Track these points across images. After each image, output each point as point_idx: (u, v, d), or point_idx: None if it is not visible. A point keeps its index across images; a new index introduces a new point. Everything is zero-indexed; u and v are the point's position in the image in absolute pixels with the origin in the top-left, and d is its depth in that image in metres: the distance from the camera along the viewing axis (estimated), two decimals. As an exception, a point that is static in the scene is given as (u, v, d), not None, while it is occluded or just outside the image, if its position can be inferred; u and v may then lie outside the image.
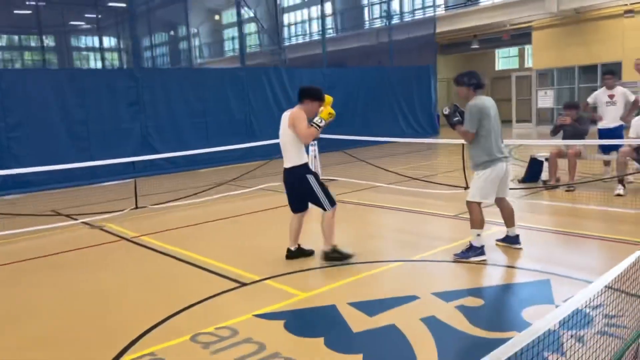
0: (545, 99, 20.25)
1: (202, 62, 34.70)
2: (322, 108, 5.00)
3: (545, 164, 8.63)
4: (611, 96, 8.39)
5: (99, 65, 31.82)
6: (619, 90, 8.41)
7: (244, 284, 4.72)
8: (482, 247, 5.00)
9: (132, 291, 4.78)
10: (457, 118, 5.05)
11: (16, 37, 36.81)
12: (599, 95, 8.57)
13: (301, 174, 5.05)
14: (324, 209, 5.05)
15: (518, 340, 1.85)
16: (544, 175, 8.70)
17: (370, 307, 4.02)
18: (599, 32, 18.82)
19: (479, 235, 4.99)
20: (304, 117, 4.93)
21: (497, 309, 3.92)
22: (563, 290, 4.15)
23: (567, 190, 7.88)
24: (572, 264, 4.84)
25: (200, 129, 13.75)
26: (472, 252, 4.99)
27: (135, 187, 8.36)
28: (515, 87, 22.10)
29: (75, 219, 7.93)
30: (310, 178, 5.04)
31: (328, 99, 5.05)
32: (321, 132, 5.08)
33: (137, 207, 8.22)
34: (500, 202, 5.25)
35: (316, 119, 4.96)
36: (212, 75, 14.54)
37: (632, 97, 8.34)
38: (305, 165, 5.10)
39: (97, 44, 31.35)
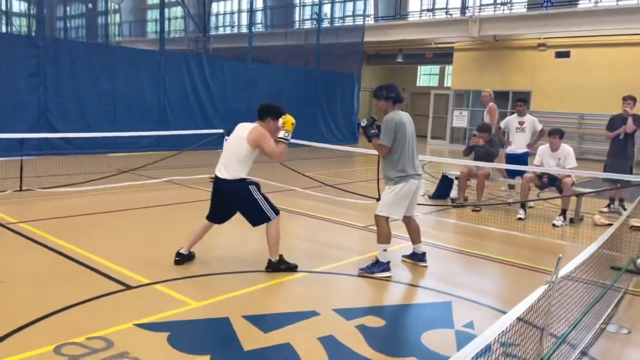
0: (460, 118, 21.05)
1: (121, 41, 32.85)
2: (282, 120, 4.69)
3: (456, 182, 8.81)
4: (521, 123, 8.77)
5: (6, 30, 29.17)
6: (528, 118, 8.82)
7: (129, 287, 4.25)
8: (388, 263, 4.89)
9: (-4, 287, 4.16)
10: (373, 131, 4.91)
11: None
12: (510, 121, 8.92)
13: (242, 186, 4.66)
14: (269, 220, 4.69)
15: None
16: (453, 193, 8.87)
17: (266, 322, 3.73)
18: (513, 60, 19.87)
19: (385, 250, 4.88)
20: (269, 135, 4.63)
21: (397, 331, 3.77)
22: (463, 313, 4.09)
23: (473, 210, 8.05)
24: (473, 287, 4.83)
25: (108, 110, 12.81)
26: (377, 268, 4.86)
27: (21, 167, 7.51)
28: (433, 104, 22.82)
29: (-54, 197, 6.98)
30: (253, 189, 4.68)
31: (290, 116, 4.74)
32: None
33: (21, 189, 7.38)
34: (408, 220, 5.19)
35: (282, 134, 4.66)
36: (126, 55, 13.63)
37: (539, 127, 8.78)
38: (245, 179, 4.70)
39: (6, 7, 28.66)
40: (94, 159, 11.20)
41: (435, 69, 27.65)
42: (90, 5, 34.30)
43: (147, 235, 5.96)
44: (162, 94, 13.81)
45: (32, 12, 27.83)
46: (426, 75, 28.48)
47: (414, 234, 5.21)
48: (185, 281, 4.51)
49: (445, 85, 26.35)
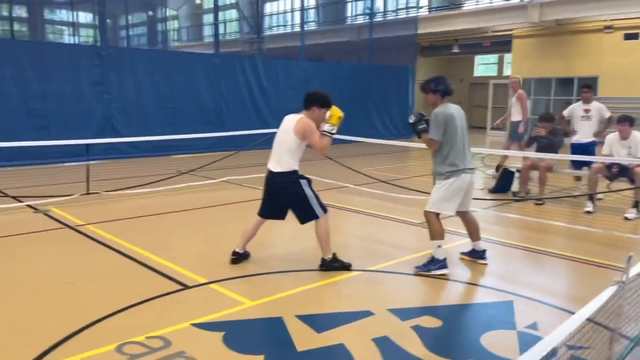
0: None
1: (179, 46, 33.90)
2: (329, 113, 4.62)
3: (517, 175, 8.47)
4: (587, 110, 8.27)
5: (74, 40, 30.73)
6: (595, 105, 8.29)
7: (186, 287, 4.35)
8: (444, 259, 4.73)
9: (64, 287, 4.36)
10: (422, 126, 4.78)
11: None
12: (575, 109, 8.44)
13: (293, 179, 4.63)
14: (317, 217, 4.64)
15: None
16: (515, 186, 8.53)
17: (319, 322, 3.71)
18: (578, 45, 18.88)
19: (439, 246, 4.71)
20: (314, 127, 4.58)
21: (454, 332, 3.65)
22: (526, 314, 3.91)
23: (536, 204, 7.71)
24: (536, 285, 4.60)
25: (168, 114, 13.21)
26: (433, 265, 4.72)
27: (87, 171, 7.86)
28: (493, 94, 22.08)
29: (21, 201, 7.41)
30: (304, 183, 4.63)
31: (337, 109, 4.66)
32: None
33: (88, 193, 7.73)
34: (464, 216, 5.01)
35: (327, 127, 4.58)
36: (184, 60, 14.01)
37: (607, 114, 8.24)
38: (297, 171, 4.69)
39: (73, 19, 30.20)
40: (156, 161, 11.60)
41: (494, 57, 26.74)
42: (150, 13, 35.61)
43: (205, 235, 6.08)
44: (218, 96, 14.11)
45: (96, 23, 29.25)
46: (483, 65, 27.61)
47: (473, 230, 5.03)
48: (241, 280, 4.56)
49: (504, 74, 25.43)
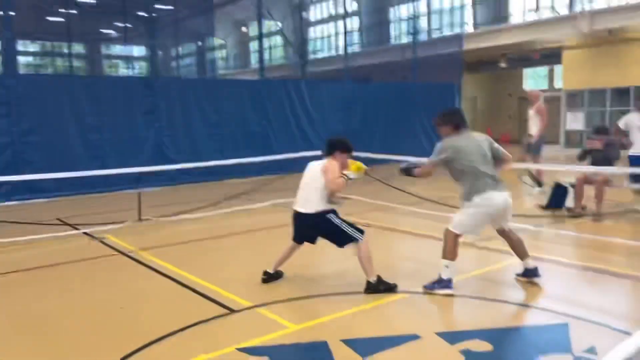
0: (574, 120, 19.57)
1: (227, 74, 34.88)
2: (350, 162, 4.96)
3: (571, 191, 8.13)
4: None
5: (129, 73, 32.22)
6: None
7: (233, 311, 4.38)
8: (450, 280, 4.64)
9: (114, 312, 4.48)
10: (414, 168, 5.08)
11: (48, 44, 37.71)
12: (631, 120, 8.08)
13: (321, 218, 4.80)
14: (355, 240, 4.73)
15: None
16: (569, 202, 8.18)
17: (365, 346, 3.64)
18: (632, 54, 18.14)
19: (447, 267, 4.64)
20: (337, 168, 4.85)
21: (506, 357, 3.49)
22: (582, 337, 3.70)
23: (593, 220, 7.36)
24: (594, 306, 4.37)
25: (216, 140, 13.53)
26: (438, 285, 4.65)
27: (139, 199, 8.12)
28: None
29: (78, 229, 7.72)
30: (331, 217, 4.80)
31: (360, 165, 5.04)
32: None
33: (140, 220, 7.98)
34: (504, 234, 4.88)
35: (348, 173, 4.91)
36: (230, 87, 14.37)
37: None
38: (325, 210, 4.82)
39: (126, 53, 31.77)
40: (205, 187, 11.86)
41: (543, 70, 26.05)
42: (199, 43, 36.91)
43: (252, 258, 6.13)
44: (264, 121, 14.34)
45: (148, 55, 30.56)
46: (533, 79, 26.92)
47: (518, 248, 4.86)
48: (286, 304, 4.55)
49: (555, 87, 24.70)
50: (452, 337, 3.76)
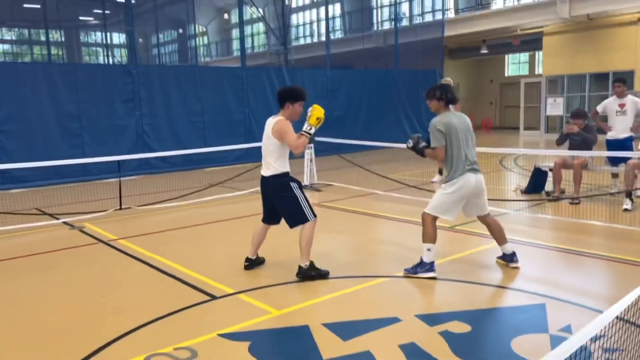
0: (554, 106, 19.78)
1: (209, 61, 34.52)
2: (309, 113, 4.65)
3: (550, 175, 8.25)
4: (621, 105, 8.00)
5: (108, 61, 31.67)
6: (629, 99, 8.00)
7: (214, 297, 4.38)
8: (432, 263, 4.70)
9: (95, 300, 4.45)
10: (422, 144, 4.87)
11: (25, 31, 36.91)
12: (609, 104, 8.17)
13: (284, 182, 4.71)
14: (306, 220, 4.65)
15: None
16: (548, 186, 8.31)
17: (346, 330, 3.67)
18: (611, 39, 18.34)
19: (429, 250, 4.69)
20: (290, 126, 4.62)
21: (484, 337, 3.55)
22: (559, 316, 3.78)
23: (571, 203, 7.48)
24: (571, 287, 4.46)
25: (198, 128, 13.44)
26: (420, 268, 4.71)
27: (119, 187, 8.05)
28: (525, 93, 21.64)
29: (57, 219, 7.63)
30: (294, 186, 4.70)
31: (318, 109, 4.66)
32: (315, 135, 4.74)
33: (120, 208, 7.91)
34: (484, 219, 4.93)
35: (305, 127, 4.62)
36: (211, 74, 14.24)
37: None
38: (288, 173, 4.76)
39: (104, 40, 31.19)
40: (187, 175, 11.78)
41: (525, 56, 26.23)
42: (180, 30, 36.40)
43: (233, 246, 6.11)
44: (246, 109, 14.27)
45: (127, 43, 30.05)
46: (515, 64, 27.11)
47: (497, 234, 4.92)
48: (268, 290, 4.56)
49: (536, 72, 24.91)
50: (431, 319, 3.81)
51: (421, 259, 4.73)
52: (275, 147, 4.67)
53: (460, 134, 4.65)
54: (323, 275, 4.76)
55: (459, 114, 4.86)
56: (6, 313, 4.26)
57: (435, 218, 4.72)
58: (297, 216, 4.67)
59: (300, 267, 4.74)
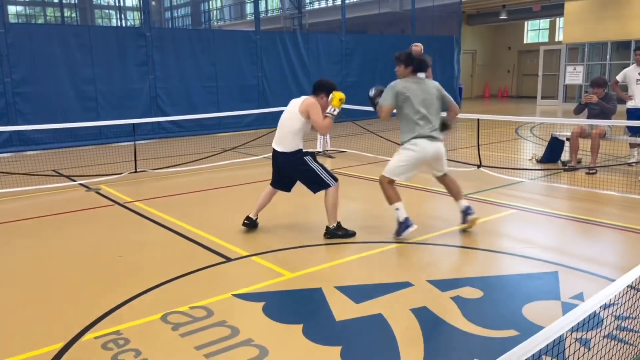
0: (574, 74, 19.35)
1: (223, 25, 34.10)
2: (331, 96, 4.87)
3: (567, 144, 8.14)
4: None
5: (121, 24, 31.44)
6: None
7: (229, 259, 4.45)
8: (406, 218, 4.79)
9: (112, 261, 4.54)
10: (378, 98, 4.94)
11: (38, -7, 36.68)
12: (629, 73, 8.02)
13: (298, 158, 4.90)
14: (328, 186, 4.86)
15: (524, 348, 1.57)
16: (564, 155, 8.21)
17: (358, 293, 3.72)
18: (635, 6, 17.78)
19: (397, 209, 4.80)
20: (319, 107, 4.84)
21: (496, 303, 3.57)
22: (571, 284, 3.79)
23: (588, 173, 7.40)
24: (584, 256, 4.45)
25: (211, 93, 13.39)
26: (400, 229, 4.82)
27: (135, 151, 8.11)
28: (544, 61, 21.18)
29: (74, 180, 7.73)
30: (309, 159, 4.91)
31: (340, 94, 4.89)
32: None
33: (136, 171, 7.99)
34: (442, 179, 5.05)
35: (329, 109, 4.86)
36: (224, 38, 14.07)
37: None
38: (300, 150, 4.93)
39: (117, 2, 30.93)
40: (200, 139, 11.80)
41: (545, 23, 25.57)
42: (193, -7, 35.89)
43: (248, 210, 6.14)
44: (260, 73, 14.15)
45: (141, 5, 29.78)
46: (534, 31, 26.45)
47: (452, 190, 5.04)
48: (282, 253, 4.62)
49: (556, 40, 24.32)
50: (443, 284, 3.84)
51: (397, 220, 4.82)
52: (300, 124, 4.83)
53: (416, 100, 4.71)
54: (350, 235, 4.94)
55: (428, 81, 4.88)
56: (25, 270, 4.37)
57: (391, 180, 4.84)
58: (318, 184, 4.89)
59: (327, 227, 4.94)
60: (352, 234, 4.95)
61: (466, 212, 5.00)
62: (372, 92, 5.08)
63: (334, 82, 5.03)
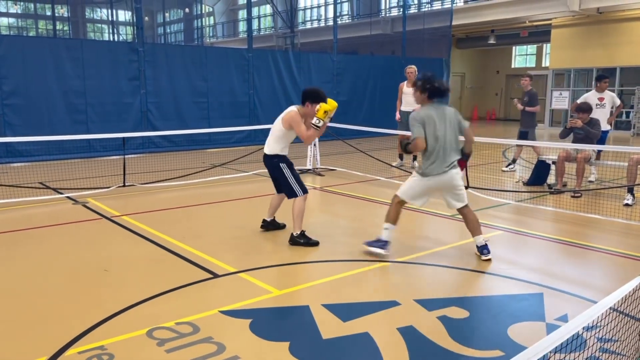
0: (560, 99, 19.70)
1: (215, 42, 34.33)
2: (317, 107, 5.02)
3: (552, 167, 8.26)
4: (601, 99, 8.78)
5: (113, 38, 31.52)
6: (607, 94, 8.90)
7: (216, 275, 4.43)
8: (387, 242, 4.87)
9: (98, 274, 4.50)
10: (406, 143, 4.93)
11: (31, 5, 36.70)
12: (590, 98, 8.85)
13: (275, 162, 5.30)
14: (296, 195, 5.21)
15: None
16: (550, 179, 8.33)
17: (345, 311, 3.72)
18: (620, 34, 18.23)
19: (387, 229, 4.90)
20: (300, 120, 5.11)
21: (482, 323, 3.60)
22: (556, 306, 3.83)
23: (573, 196, 7.51)
24: (569, 278, 4.50)
25: (202, 108, 13.44)
26: (376, 244, 4.92)
27: (124, 164, 8.08)
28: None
29: (61, 193, 7.68)
30: (283, 166, 5.28)
31: (332, 103, 5.01)
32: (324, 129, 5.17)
33: (124, 185, 7.96)
34: (461, 211, 4.95)
35: (314, 120, 5.03)
36: (217, 55, 14.18)
37: (618, 102, 8.96)
38: (281, 156, 5.30)
39: (112, 17, 31.05)
40: (191, 155, 11.81)
41: (532, 48, 26.09)
42: (187, 10, 36.17)
43: (236, 226, 6.17)
44: (251, 90, 14.24)
45: (134, 20, 29.94)
46: (522, 56, 26.97)
47: (470, 225, 4.93)
48: (269, 270, 4.62)
49: (543, 65, 24.79)
50: (430, 303, 3.86)
51: (380, 236, 4.91)
52: (280, 133, 5.23)
53: (438, 127, 4.67)
54: (312, 244, 5.20)
55: (440, 107, 4.80)
56: (8, 283, 4.32)
57: (401, 202, 4.89)
58: (289, 192, 5.28)
59: (292, 234, 5.27)
60: (315, 244, 5.19)
61: (480, 251, 4.90)
62: (401, 147, 5.11)
63: (321, 90, 5.18)
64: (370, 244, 4.95)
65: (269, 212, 5.73)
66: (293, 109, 5.20)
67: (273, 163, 5.30)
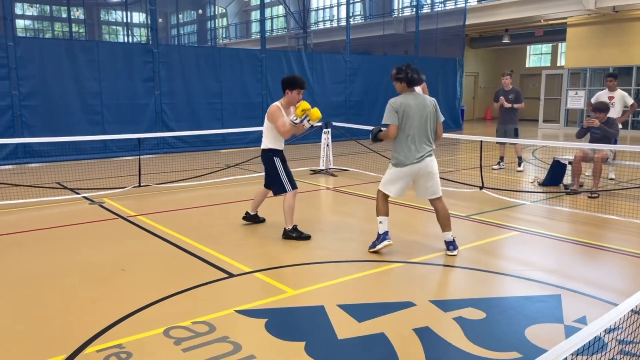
0: (575, 99, 19.49)
1: (228, 43, 34.49)
2: (298, 104, 5.18)
3: (569, 167, 8.18)
4: (611, 98, 8.81)
5: (128, 40, 31.78)
6: (618, 93, 8.91)
7: (232, 275, 4.45)
8: (385, 233, 4.91)
9: (115, 274, 4.55)
10: (376, 131, 4.99)
11: (47, 7, 37.18)
12: (601, 97, 8.88)
13: (268, 157, 5.46)
14: (285, 191, 5.37)
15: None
16: (566, 179, 8.24)
17: (361, 312, 3.72)
18: (637, 32, 17.99)
19: (381, 222, 4.94)
20: (278, 114, 5.27)
21: (498, 325, 3.57)
22: (574, 307, 3.79)
23: (590, 197, 7.43)
24: (587, 280, 4.45)
25: (216, 109, 13.52)
26: (378, 241, 4.94)
27: (139, 165, 8.15)
28: (545, 85, 21.34)
29: (78, 193, 7.77)
30: (276, 160, 5.43)
31: (316, 113, 5.19)
32: (309, 129, 5.48)
33: (140, 185, 8.02)
34: (433, 203, 5.01)
35: (292, 117, 5.19)
36: (230, 56, 14.24)
37: (630, 101, 8.94)
38: (274, 150, 5.45)
39: (126, 19, 31.32)
40: (205, 155, 11.87)
41: (547, 47, 25.83)
42: (200, 11, 36.37)
43: (251, 226, 6.18)
44: (264, 91, 14.29)
45: (148, 22, 30.20)
46: (536, 55, 26.71)
47: (441, 220, 4.98)
48: (285, 270, 4.63)
49: (558, 64, 24.54)
50: (446, 305, 3.84)
51: (378, 233, 4.95)
52: (267, 127, 5.44)
53: (414, 117, 4.72)
54: (304, 237, 5.35)
55: (419, 96, 4.85)
56: (27, 282, 4.37)
57: (385, 195, 4.93)
58: (278, 187, 5.45)
59: (284, 229, 5.42)
60: (307, 237, 5.34)
61: (447, 246, 4.98)
62: (370, 136, 5.09)
63: (298, 77, 5.36)
64: (373, 245, 4.98)
65: (253, 206, 5.97)
66: (275, 103, 5.36)
67: (266, 157, 5.47)
